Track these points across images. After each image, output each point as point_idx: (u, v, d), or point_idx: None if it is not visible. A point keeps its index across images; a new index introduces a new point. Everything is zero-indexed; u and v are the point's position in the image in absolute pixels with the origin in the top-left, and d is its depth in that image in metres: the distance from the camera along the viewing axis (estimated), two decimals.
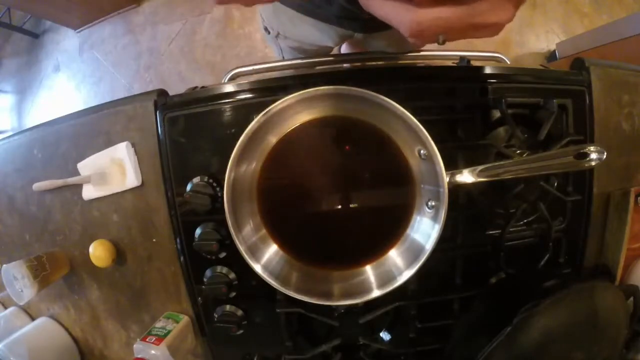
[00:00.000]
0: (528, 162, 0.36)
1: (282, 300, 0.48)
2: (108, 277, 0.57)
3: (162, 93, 0.51)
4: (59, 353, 0.60)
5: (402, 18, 0.23)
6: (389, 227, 0.42)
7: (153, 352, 0.46)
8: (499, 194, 0.48)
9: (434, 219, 0.38)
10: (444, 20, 0.22)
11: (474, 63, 0.54)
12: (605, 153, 0.34)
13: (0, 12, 2.05)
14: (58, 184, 0.54)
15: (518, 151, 0.47)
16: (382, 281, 0.39)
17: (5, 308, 0.66)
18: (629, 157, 0.52)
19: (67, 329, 0.62)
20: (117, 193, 0.52)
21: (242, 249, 0.38)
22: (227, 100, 0.47)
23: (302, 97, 0.37)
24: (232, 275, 0.49)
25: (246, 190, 0.40)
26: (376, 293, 0.39)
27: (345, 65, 0.59)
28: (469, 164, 0.37)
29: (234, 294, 0.50)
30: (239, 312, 0.51)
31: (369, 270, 0.42)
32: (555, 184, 0.49)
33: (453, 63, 0.58)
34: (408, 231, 0.41)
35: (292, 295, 0.39)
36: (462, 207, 0.47)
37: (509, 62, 0.61)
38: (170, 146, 0.48)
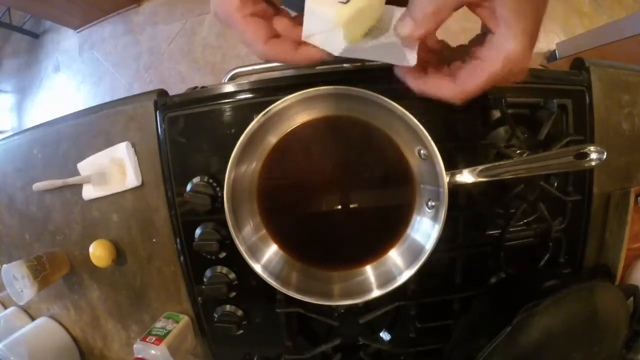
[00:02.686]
0: (528, 162, 0.36)
1: (282, 300, 0.48)
2: (108, 277, 0.57)
3: (162, 93, 0.51)
4: (59, 353, 0.60)
5: (447, 94, 0.27)
6: (389, 227, 0.42)
7: (153, 352, 0.46)
8: (499, 194, 0.48)
9: (434, 219, 0.38)
10: (483, 87, 0.26)
11: None
12: (605, 153, 0.34)
13: (0, 12, 2.05)
14: (58, 184, 0.55)
15: (518, 151, 0.47)
16: (382, 281, 0.40)
17: (5, 308, 0.66)
18: (629, 157, 0.52)
19: (67, 329, 0.62)
20: (117, 193, 0.52)
21: (242, 249, 0.38)
22: (227, 100, 0.47)
23: (302, 97, 0.37)
24: (232, 275, 0.49)
25: (246, 190, 0.40)
26: (376, 293, 0.39)
27: (345, 65, 0.59)
28: (469, 164, 0.37)
29: (234, 294, 0.50)
30: (239, 312, 0.51)
31: (369, 270, 0.42)
32: (555, 184, 0.49)
33: None
34: (408, 231, 0.41)
35: (292, 295, 0.39)
36: (462, 207, 0.47)
37: None
38: (170, 146, 0.48)
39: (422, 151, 0.37)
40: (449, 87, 0.27)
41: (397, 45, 0.26)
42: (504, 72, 0.25)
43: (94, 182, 0.53)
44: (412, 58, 0.27)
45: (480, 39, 0.27)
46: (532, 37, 0.24)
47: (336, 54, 0.27)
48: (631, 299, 0.45)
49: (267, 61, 0.31)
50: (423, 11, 0.24)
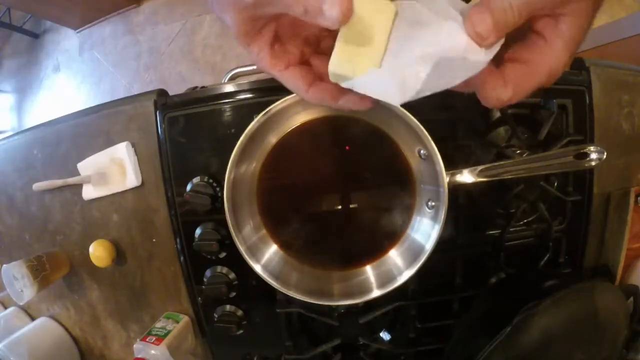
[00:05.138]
0: (528, 162, 0.36)
1: (282, 300, 0.48)
2: (108, 277, 0.57)
3: (162, 93, 0.51)
4: (59, 353, 0.60)
5: (501, 96, 0.25)
6: (389, 227, 0.42)
7: (153, 352, 0.46)
8: (499, 194, 0.48)
9: (434, 219, 0.38)
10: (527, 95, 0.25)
11: None
12: (605, 153, 0.34)
13: (0, 12, 2.05)
14: (58, 184, 0.54)
15: (518, 151, 0.47)
16: (382, 281, 0.40)
17: (5, 308, 0.66)
18: (629, 157, 0.52)
19: (67, 329, 0.62)
20: (117, 193, 0.52)
21: (242, 249, 0.38)
22: (227, 100, 0.47)
23: None
24: (232, 275, 0.49)
25: (246, 190, 0.40)
26: (376, 293, 0.39)
27: None
28: (469, 164, 0.37)
29: (234, 294, 0.50)
30: (239, 312, 0.51)
31: (369, 270, 0.42)
32: (555, 184, 0.49)
33: None
34: (408, 231, 0.41)
35: (292, 295, 0.39)
36: (462, 207, 0.47)
37: None
38: (170, 146, 0.48)
39: (422, 151, 0.37)
40: (504, 90, 0.25)
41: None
42: (548, 82, 0.25)
43: (94, 182, 0.53)
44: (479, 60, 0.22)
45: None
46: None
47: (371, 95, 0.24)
48: (631, 299, 0.45)
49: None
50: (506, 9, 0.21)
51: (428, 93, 0.22)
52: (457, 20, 0.22)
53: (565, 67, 0.24)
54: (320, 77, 0.27)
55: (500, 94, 0.25)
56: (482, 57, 0.22)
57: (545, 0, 0.22)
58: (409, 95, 0.22)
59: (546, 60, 0.24)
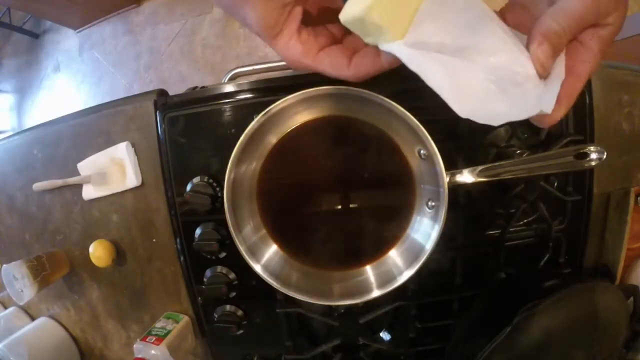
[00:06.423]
0: (528, 162, 0.36)
1: (282, 300, 0.48)
2: (108, 277, 0.57)
3: (162, 93, 0.51)
4: (59, 353, 0.60)
5: (555, 117, 0.25)
6: (389, 227, 0.42)
7: (153, 352, 0.46)
8: (499, 194, 0.48)
9: (434, 219, 0.38)
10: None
11: None
12: (605, 153, 0.34)
13: (0, 12, 2.05)
14: (58, 184, 0.55)
15: (518, 151, 0.47)
16: (382, 281, 0.39)
17: (5, 308, 0.66)
18: (629, 157, 0.52)
19: (67, 329, 0.62)
20: (117, 193, 0.52)
21: (242, 249, 0.38)
22: (227, 100, 0.47)
23: (302, 97, 0.37)
24: (232, 275, 0.49)
25: (246, 190, 0.40)
26: (376, 293, 0.39)
27: None
28: (469, 164, 0.37)
29: (234, 294, 0.50)
30: (239, 312, 0.51)
31: (369, 270, 0.42)
32: (555, 184, 0.49)
33: None
34: (408, 231, 0.41)
35: (292, 295, 0.39)
36: (462, 207, 0.47)
37: None
38: (170, 146, 0.48)
39: (422, 151, 0.37)
40: (558, 111, 0.25)
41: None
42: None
43: (94, 182, 0.53)
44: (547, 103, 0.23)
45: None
46: None
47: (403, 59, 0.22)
48: (631, 299, 0.45)
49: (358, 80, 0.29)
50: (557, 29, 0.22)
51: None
52: (521, 48, 0.23)
53: None
54: (355, 51, 0.26)
55: (556, 116, 0.25)
56: (544, 95, 0.23)
57: (591, 16, 0.22)
58: (472, 116, 0.22)
59: (588, 64, 0.25)
